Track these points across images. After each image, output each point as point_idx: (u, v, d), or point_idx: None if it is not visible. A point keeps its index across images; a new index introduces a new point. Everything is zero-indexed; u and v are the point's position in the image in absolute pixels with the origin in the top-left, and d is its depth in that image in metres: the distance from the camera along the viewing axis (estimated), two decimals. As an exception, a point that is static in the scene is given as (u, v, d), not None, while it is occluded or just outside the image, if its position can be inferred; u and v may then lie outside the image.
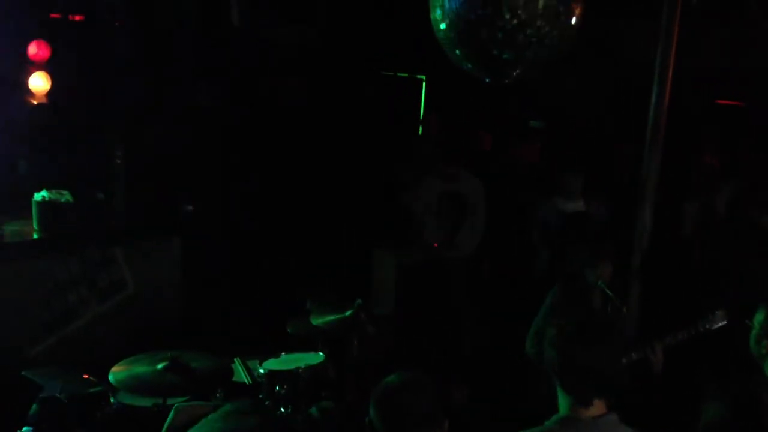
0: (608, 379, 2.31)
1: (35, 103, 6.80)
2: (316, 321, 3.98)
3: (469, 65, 3.18)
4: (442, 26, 3.13)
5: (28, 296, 4.92)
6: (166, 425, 3.07)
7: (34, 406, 3.47)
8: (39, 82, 6.71)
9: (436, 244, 5.89)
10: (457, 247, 5.94)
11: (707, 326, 3.84)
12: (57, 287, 5.05)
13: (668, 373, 3.98)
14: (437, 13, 3.14)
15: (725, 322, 3.82)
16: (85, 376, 3.95)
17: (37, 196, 5.10)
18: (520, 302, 4.95)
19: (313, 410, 3.58)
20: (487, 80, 3.25)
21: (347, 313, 3.97)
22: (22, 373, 3.79)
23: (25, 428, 3.37)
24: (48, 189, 5.16)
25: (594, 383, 2.30)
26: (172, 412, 3.13)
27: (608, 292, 4.08)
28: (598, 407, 2.33)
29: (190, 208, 5.91)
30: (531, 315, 4.47)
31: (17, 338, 4.85)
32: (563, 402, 2.37)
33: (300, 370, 3.80)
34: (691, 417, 2.96)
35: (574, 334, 2.34)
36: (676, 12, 4.58)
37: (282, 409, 3.75)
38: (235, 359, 4.18)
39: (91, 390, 3.75)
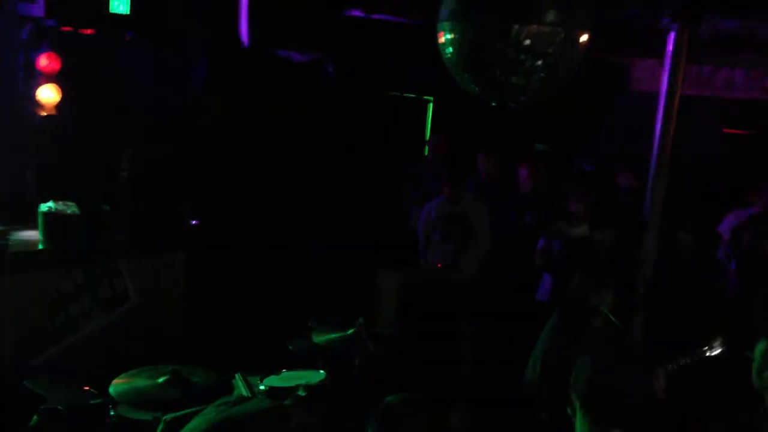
0: (635, 410, 2.28)
1: (44, 114, 6.85)
2: (318, 339, 3.98)
3: (476, 89, 3.21)
4: (449, 50, 3.17)
5: (32, 306, 4.92)
6: None
7: (35, 417, 3.47)
8: (49, 94, 6.76)
9: (439, 265, 5.91)
10: (460, 269, 5.95)
11: (706, 353, 3.83)
12: (60, 298, 5.06)
13: (670, 402, 3.97)
14: (445, 37, 3.18)
15: (724, 348, 3.81)
16: (86, 388, 3.95)
17: (43, 207, 5.12)
18: (521, 326, 4.94)
19: (301, 391, 3.55)
20: (494, 104, 3.29)
21: (349, 332, 3.97)
22: (24, 383, 3.80)
23: None
24: (54, 200, 5.18)
25: (622, 414, 2.27)
26: (161, 424, 3.13)
27: (611, 317, 4.07)
28: None
29: (195, 222, 5.93)
30: (532, 339, 4.47)
31: (19, 348, 4.86)
32: (581, 427, 2.32)
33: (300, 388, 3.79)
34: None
35: (610, 363, 2.32)
36: (683, 46, 4.64)
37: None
38: (236, 375, 4.18)
39: (92, 402, 3.75)
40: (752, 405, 2.91)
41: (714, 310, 5.03)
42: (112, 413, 3.69)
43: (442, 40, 3.23)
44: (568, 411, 2.38)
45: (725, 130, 7.20)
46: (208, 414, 2.31)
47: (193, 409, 3.10)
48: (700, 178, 6.74)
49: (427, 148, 7.70)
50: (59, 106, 6.54)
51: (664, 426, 3.95)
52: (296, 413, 3.02)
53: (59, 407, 3.63)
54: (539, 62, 2.92)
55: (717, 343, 3.80)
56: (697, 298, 5.38)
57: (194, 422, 2.37)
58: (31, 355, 4.91)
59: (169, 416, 3.21)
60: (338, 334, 4.01)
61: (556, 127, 8.17)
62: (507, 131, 8.10)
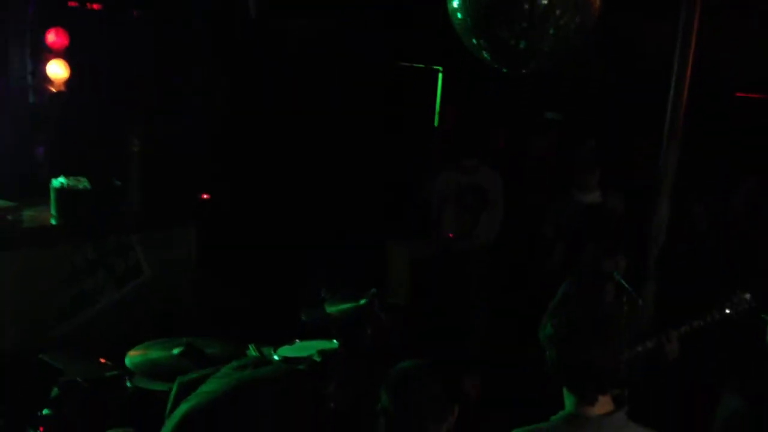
0: (608, 375, 2.27)
1: (54, 90, 6.85)
2: (331, 309, 3.99)
3: (487, 55, 3.18)
4: (459, 15, 3.13)
5: (46, 282, 4.96)
6: (171, 397, 3.08)
7: (55, 389, 3.50)
8: (57, 70, 6.75)
9: (451, 235, 5.89)
10: (475, 238, 5.93)
11: (733, 310, 3.80)
12: (74, 273, 5.09)
13: (683, 364, 3.96)
14: (455, 3, 3.14)
15: (751, 306, 3.77)
16: (102, 361, 4.00)
17: (55, 182, 5.14)
18: (534, 294, 4.94)
19: (316, 356, 3.58)
20: (505, 71, 3.25)
21: (361, 302, 3.98)
22: (40, 357, 3.84)
23: (45, 411, 3.41)
24: (66, 176, 5.20)
25: (593, 380, 2.27)
26: (175, 386, 3.15)
27: (624, 284, 4.06)
28: (604, 404, 2.29)
29: (206, 196, 5.94)
30: (545, 307, 4.46)
31: (35, 323, 4.90)
32: (568, 399, 2.34)
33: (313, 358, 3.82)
34: (706, 408, 2.95)
35: (570, 331, 2.31)
36: (696, 8, 4.55)
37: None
38: (249, 346, 4.20)
39: (108, 374, 3.79)
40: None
41: (727, 276, 5.00)
42: (128, 384, 3.73)
43: (452, 5, 3.19)
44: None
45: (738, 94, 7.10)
46: (224, 376, 2.32)
47: (208, 370, 3.12)
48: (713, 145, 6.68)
49: (437, 118, 7.65)
50: (68, 82, 6.54)
51: (676, 387, 3.95)
52: (310, 379, 3.04)
53: (78, 379, 3.68)
54: (551, 27, 2.88)
55: (743, 301, 3.77)
56: (710, 264, 5.35)
57: (209, 384, 2.39)
58: (47, 330, 4.96)
59: (184, 378, 3.22)
60: (351, 305, 4.01)
61: (568, 95, 8.10)
62: (518, 101, 8.04)
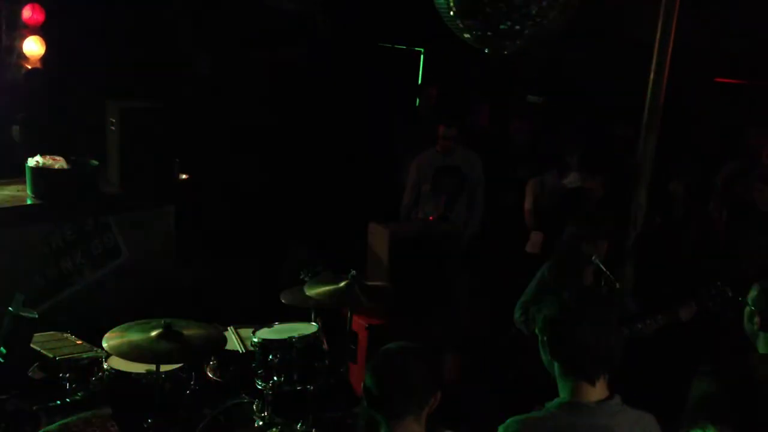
0: (603, 358, 2.28)
1: (29, 67, 6.73)
2: (310, 291, 3.98)
3: (468, 36, 3.16)
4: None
5: (23, 262, 4.90)
6: None
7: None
8: (33, 47, 6.64)
9: (431, 218, 5.90)
10: (452, 221, 5.95)
11: (712, 303, 3.85)
12: (51, 253, 5.03)
13: (659, 348, 4.01)
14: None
15: (731, 298, 3.82)
16: (79, 342, 3.97)
17: (31, 161, 5.06)
18: (513, 276, 4.97)
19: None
20: (486, 51, 3.23)
21: (341, 284, 3.97)
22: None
23: None
24: (42, 155, 5.12)
25: (589, 363, 2.27)
26: None
27: (603, 268, 4.09)
28: (600, 390, 2.30)
29: (185, 176, 5.88)
30: (522, 290, 4.49)
31: (11, 304, 4.83)
32: (563, 386, 2.34)
33: (293, 340, 3.81)
34: (679, 392, 2.98)
35: (567, 313, 2.32)
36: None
37: (275, 378, 3.78)
38: (228, 328, 4.19)
39: (85, 355, 3.76)
40: (744, 350, 2.94)
41: (705, 260, 5.05)
42: (105, 366, 3.70)
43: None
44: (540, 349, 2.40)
45: (717, 80, 7.14)
46: None
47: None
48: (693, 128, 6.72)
49: (418, 99, 7.62)
50: (44, 59, 6.43)
51: (653, 370, 4.00)
52: None
53: (56, 358, 3.65)
54: (533, 7, 2.86)
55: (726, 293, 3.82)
56: (688, 247, 5.40)
57: None
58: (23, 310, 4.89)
59: None
60: (330, 287, 4.00)
61: (549, 78, 8.10)
62: (499, 83, 8.03)
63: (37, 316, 3.55)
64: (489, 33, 2.97)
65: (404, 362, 2.32)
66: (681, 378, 3.09)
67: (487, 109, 7.25)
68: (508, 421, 2.35)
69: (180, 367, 3.71)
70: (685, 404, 2.91)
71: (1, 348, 3.38)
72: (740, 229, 5.10)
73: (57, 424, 2.73)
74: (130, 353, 3.32)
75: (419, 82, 8.74)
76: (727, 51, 6.70)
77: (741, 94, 7.02)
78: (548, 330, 2.34)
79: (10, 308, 3.49)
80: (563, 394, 2.34)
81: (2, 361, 3.34)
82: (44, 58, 6.55)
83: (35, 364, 3.65)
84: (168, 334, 3.35)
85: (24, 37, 6.32)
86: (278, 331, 4.00)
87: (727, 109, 6.83)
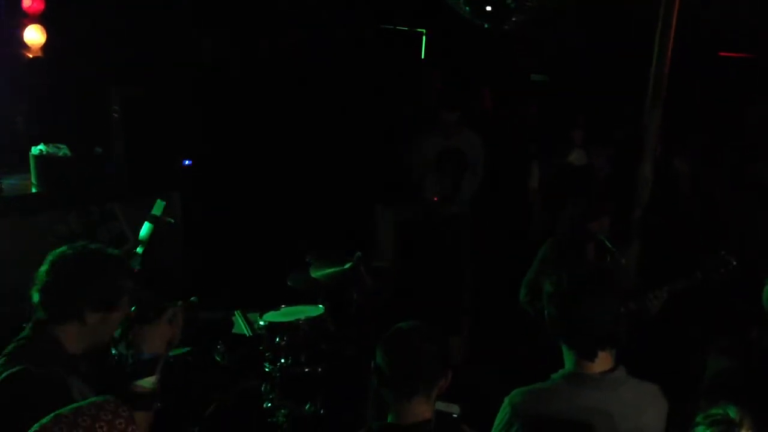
0: (608, 331, 2.28)
1: (31, 56, 6.71)
2: (316, 274, 3.99)
3: (468, 9, 3.13)
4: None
5: (28, 251, 4.90)
6: None
7: None
8: (34, 36, 6.61)
9: (435, 198, 5.88)
10: (456, 202, 5.93)
11: (716, 272, 3.84)
12: (57, 242, 5.02)
13: (665, 326, 4.00)
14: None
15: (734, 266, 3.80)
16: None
17: (35, 150, 5.06)
18: (518, 255, 4.96)
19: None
20: (486, 26, 3.21)
21: (347, 266, 3.97)
22: (23, 325, 3.80)
23: None
24: (45, 143, 5.12)
25: (594, 335, 2.28)
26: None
27: (608, 244, 4.08)
28: (604, 361, 2.30)
29: (190, 162, 5.87)
30: (528, 267, 4.49)
31: (19, 294, 4.85)
32: (568, 357, 2.35)
33: (300, 322, 3.83)
34: (689, 367, 2.97)
35: (570, 287, 2.32)
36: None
37: (282, 360, 3.79)
38: (235, 312, 4.20)
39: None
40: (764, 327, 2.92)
41: (711, 236, 5.04)
42: (113, 352, 3.71)
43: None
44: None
45: (722, 54, 7.09)
46: None
47: None
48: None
49: (421, 84, 7.58)
50: (45, 48, 6.40)
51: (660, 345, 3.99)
52: None
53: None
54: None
55: (719, 263, 3.80)
56: (694, 224, 5.39)
57: None
58: (29, 299, 4.91)
59: None
60: (336, 269, 4.01)
61: (553, 57, 8.06)
62: (503, 63, 7.99)
63: (173, 221, 3.63)
64: (486, 9, 2.95)
65: (417, 342, 2.30)
66: (686, 351, 3.08)
67: (490, 93, 7.20)
68: (514, 391, 2.36)
69: (188, 350, 3.72)
70: (697, 380, 2.91)
71: (139, 249, 3.43)
72: (751, 209, 5.08)
73: (69, 408, 2.73)
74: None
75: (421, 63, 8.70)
76: (732, 25, 6.65)
77: (745, 68, 6.97)
78: (549, 305, 2.35)
79: (153, 212, 3.67)
80: (568, 365, 2.36)
81: (139, 267, 3.39)
82: (45, 47, 6.53)
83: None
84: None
85: (25, 26, 6.28)
86: (285, 313, 4.01)
87: (731, 83, 6.78)
